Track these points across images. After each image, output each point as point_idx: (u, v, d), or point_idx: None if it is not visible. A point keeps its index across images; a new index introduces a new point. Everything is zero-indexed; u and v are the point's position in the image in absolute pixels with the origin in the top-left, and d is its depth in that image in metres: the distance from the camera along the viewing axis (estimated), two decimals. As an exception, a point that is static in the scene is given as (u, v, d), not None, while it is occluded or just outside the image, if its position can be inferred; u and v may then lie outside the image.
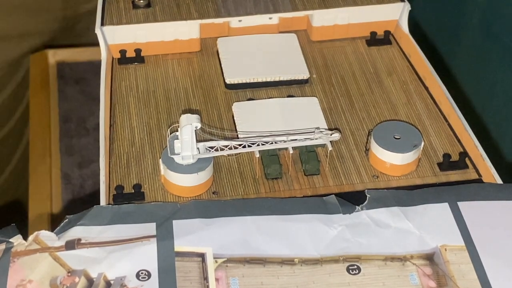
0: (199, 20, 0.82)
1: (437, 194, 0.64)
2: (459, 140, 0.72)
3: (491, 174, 0.68)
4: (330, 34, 0.84)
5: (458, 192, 0.64)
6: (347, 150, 0.71)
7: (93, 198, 0.78)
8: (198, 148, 0.66)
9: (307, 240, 0.61)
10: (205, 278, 0.58)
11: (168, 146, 0.67)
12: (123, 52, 0.81)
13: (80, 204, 1.04)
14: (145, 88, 0.78)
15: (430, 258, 0.60)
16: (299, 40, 0.83)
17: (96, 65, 0.81)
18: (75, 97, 1.19)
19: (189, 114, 0.65)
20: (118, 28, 0.81)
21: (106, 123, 0.73)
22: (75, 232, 0.60)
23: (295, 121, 0.71)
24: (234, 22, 0.83)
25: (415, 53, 0.81)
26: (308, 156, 0.69)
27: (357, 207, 0.63)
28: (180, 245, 0.60)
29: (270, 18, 0.83)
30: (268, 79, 0.78)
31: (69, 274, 0.57)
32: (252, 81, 0.78)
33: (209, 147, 0.67)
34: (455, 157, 0.70)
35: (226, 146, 0.67)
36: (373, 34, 0.84)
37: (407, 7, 0.83)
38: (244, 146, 0.67)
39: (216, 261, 0.59)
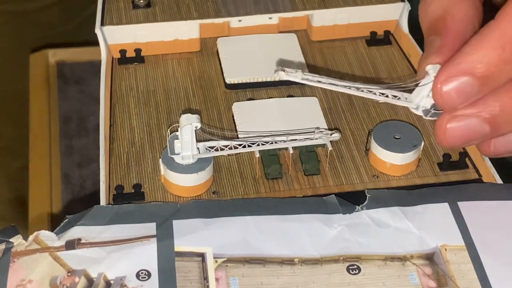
0: (199, 20, 0.82)
1: (437, 194, 0.64)
2: (459, 140, 0.72)
3: (491, 174, 0.68)
4: (330, 34, 0.84)
5: (458, 192, 0.64)
6: (347, 150, 0.71)
7: (93, 198, 0.77)
8: (198, 148, 0.66)
9: (307, 240, 0.61)
10: (205, 278, 0.58)
11: (168, 146, 0.67)
12: (123, 52, 0.81)
13: (80, 204, 1.04)
14: (145, 88, 0.78)
15: (430, 258, 0.60)
16: (299, 40, 0.83)
17: (96, 65, 0.81)
18: (75, 97, 1.19)
19: (189, 114, 0.65)
20: (118, 28, 0.81)
21: (106, 123, 0.73)
22: (75, 232, 0.60)
23: (295, 121, 0.71)
24: (234, 22, 0.83)
25: (415, 53, 0.81)
26: (308, 156, 0.69)
27: (357, 207, 0.63)
28: (180, 245, 0.60)
29: (270, 18, 0.83)
30: (268, 79, 0.78)
31: (69, 274, 0.57)
32: (252, 81, 0.78)
33: (209, 147, 0.67)
34: (455, 157, 0.70)
35: (226, 146, 0.67)
36: (373, 34, 0.84)
37: (407, 7, 0.83)
38: (244, 146, 0.67)
39: (216, 261, 0.59)
